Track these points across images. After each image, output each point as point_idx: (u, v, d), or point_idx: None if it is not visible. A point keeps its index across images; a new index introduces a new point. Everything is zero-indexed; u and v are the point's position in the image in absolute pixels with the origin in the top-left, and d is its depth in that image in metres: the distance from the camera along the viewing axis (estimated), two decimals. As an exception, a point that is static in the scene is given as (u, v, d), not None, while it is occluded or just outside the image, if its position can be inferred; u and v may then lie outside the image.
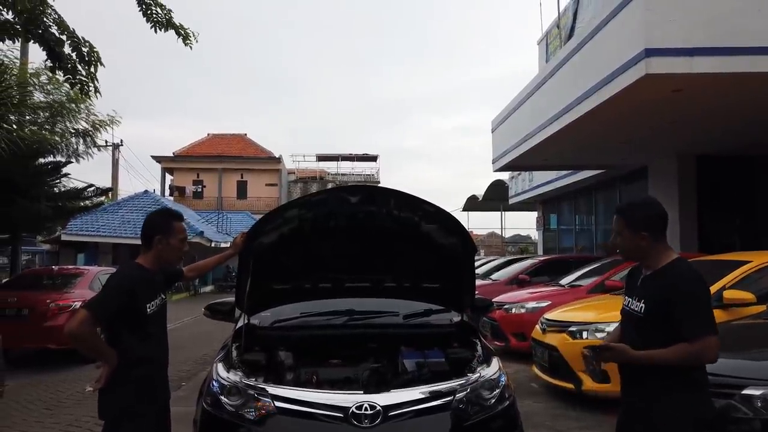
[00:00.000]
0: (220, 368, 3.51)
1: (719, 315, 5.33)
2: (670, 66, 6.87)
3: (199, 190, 40.49)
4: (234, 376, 3.39)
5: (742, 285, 5.59)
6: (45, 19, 6.51)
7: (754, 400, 3.12)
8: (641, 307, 2.55)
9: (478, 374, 3.40)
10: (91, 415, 6.12)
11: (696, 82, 7.14)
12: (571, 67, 9.31)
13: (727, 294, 5.46)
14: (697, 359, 2.40)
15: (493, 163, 14.78)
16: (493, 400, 3.30)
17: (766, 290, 5.55)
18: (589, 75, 8.36)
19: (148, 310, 2.93)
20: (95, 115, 15.60)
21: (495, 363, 3.58)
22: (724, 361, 3.51)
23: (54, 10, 6.65)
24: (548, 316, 6.95)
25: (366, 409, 3.08)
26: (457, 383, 3.32)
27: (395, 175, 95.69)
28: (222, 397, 3.30)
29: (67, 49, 6.72)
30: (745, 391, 3.16)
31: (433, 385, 3.34)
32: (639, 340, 2.52)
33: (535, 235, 29.48)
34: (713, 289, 5.66)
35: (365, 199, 3.80)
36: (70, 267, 13.90)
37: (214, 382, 3.42)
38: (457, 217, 3.88)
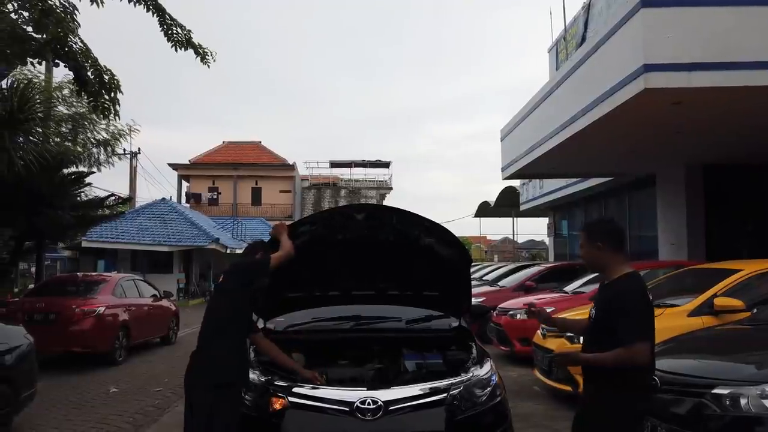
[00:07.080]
0: None
1: (710, 321, 5.63)
2: (669, 80, 7.10)
3: (215, 197, 41.09)
4: (252, 375, 3.78)
5: (733, 292, 5.83)
6: (73, 46, 6.97)
7: (722, 399, 3.41)
8: (593, 313, 2.87)
9: (471, 374, 3.75)
10: (118, 414, 6.52)
11: (695, 95, 7.37)
12: (575, 79, 9.55)
13: (718, 301, 5.71)
14: (630, 362, 2.65)
15: (502, 171, 14.97)
16: (484, 398, 3.64)
17: (756, 298, 5.78)
18: (593, 88, 8.61)
19: None
20: (115, 125, 16.14)
21: (488, 364, 3.92)
22: (697, 363, 3.87)
23: (80, 38, 7.13)
24: (549, 321, 7.22)
25: (369, 404, 3.44)
26: (451, 381, 3.67)
27: (408, 181, 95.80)
28: (243, 394, 3.67)
29: (90, 75, 7.19)
30: (714, 390, 3.46)
31: (430, 383, 3.69)
32: (593, 343, 2.85)
33: (548, 240, 29.60)
34: (706, 295, 5.94)
35: (370, 216, 4.19)
36: (94, 274, 14.36)
37: None
38: (452, 232, 4.22)
